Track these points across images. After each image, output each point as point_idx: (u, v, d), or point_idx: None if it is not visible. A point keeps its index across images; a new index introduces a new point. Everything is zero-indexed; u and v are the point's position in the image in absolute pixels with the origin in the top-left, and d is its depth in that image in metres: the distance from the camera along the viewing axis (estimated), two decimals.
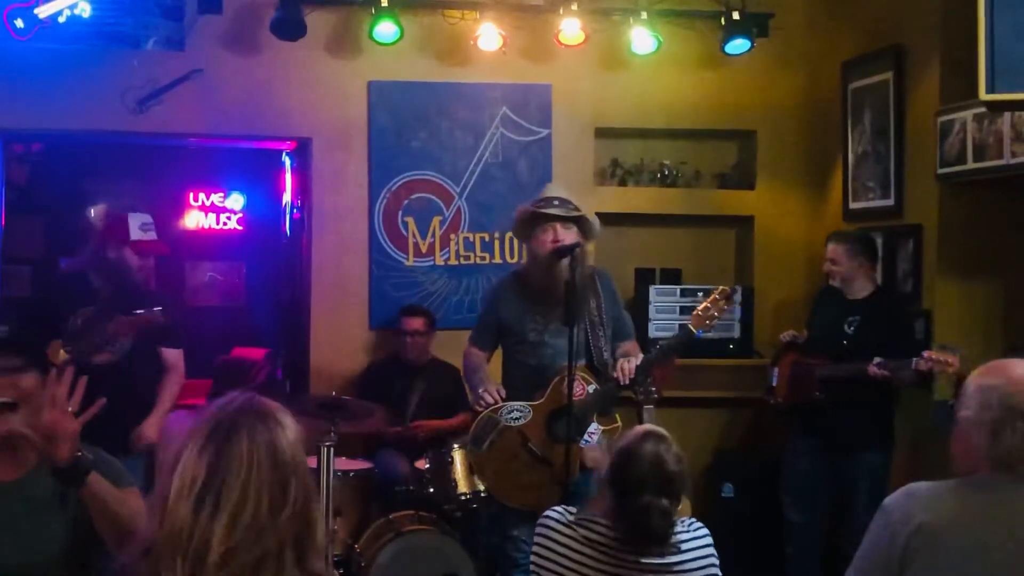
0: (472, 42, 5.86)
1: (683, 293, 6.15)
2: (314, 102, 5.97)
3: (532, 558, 2.93)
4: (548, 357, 4.44)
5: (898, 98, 5.44)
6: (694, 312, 4.47)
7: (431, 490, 4.97)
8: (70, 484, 2.39)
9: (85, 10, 5.54)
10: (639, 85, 6.20)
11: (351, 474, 5.06)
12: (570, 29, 5.80)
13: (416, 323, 5.71)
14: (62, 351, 4.34)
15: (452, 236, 6.09)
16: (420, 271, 6.07)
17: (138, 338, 4.54)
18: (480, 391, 4.45)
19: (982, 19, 2.97)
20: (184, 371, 4.91)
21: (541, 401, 4.39)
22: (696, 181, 6.47)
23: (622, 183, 6.38)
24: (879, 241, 5.38)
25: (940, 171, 5.02)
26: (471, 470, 4.78)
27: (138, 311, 4.43)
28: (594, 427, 4.35)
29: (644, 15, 5.82)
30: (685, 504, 4.03)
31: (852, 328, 4.99)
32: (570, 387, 4.11)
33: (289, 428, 1.80)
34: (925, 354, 4.51)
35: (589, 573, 2.79)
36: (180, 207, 10.16)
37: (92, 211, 5.13)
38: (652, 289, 6.16)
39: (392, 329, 5.87)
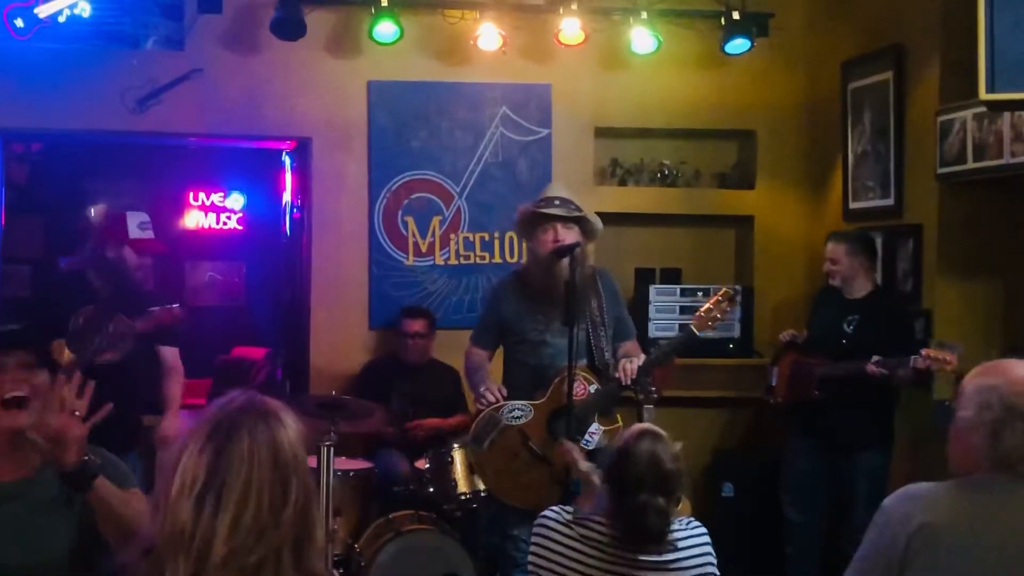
0: (472, 42, 5.86)
1: (683, 293, 6.15)
2: (314, 102, 5.97)
3: (530, 557, 2.93)
4: (549, 357, 4.45)
5: (898, 98, 5.44)
6: (696, 313, 4.46)
7: (431, 490, 4.97)
8: (77, 488, 2.38)
9: (85, 10, 5.54)
10: (639, 85, 6.20)
11: (351, 474, 5.06)
12: (570, 29, 5.80)
13: (417, 325, 5.71)
14: (66, 351, 4.34)
15: (452, 236, 6.09)
16: (420, 271, 6.07)
17: (141, 336, 4.54)
18: (481, 390, 4.46)
19: (982, 19, 2.98)
20: (183, 368, 4.93)
21: (542, 400, 4.39)
22: (696, 181, 6.47)
23: (622, 183, 6.38)
24: (879, 241, 5.38)
25: (940, 171, 5.02)
26: (471, 470, 4.78)
27: (154, 308, 4.44)
28: (595, 427, 4.36)
29: (644, 15, 5.82)
30: (685, 504, 4.04)
31: (851, 328, 5.00)
32: (570, 387, 4.11)
33: (290, 427, 1.79)
34: (923, 352, 4.52)
35: (587, 571, 2.80)
36: (180, 207, 10.16)
37: (92, 211, 5.13)
38: (652, 289, 6.16)
39: (392, 329, 5.87)
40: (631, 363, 4.36)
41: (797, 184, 6.38)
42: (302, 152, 6.36)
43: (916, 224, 5.30)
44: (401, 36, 5.70)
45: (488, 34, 5.78)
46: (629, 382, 4.35)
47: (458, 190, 6.09)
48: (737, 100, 6.30)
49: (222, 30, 5.85)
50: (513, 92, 6.11)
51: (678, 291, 6.17)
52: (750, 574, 5.60)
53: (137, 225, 4.82)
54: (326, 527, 4.37)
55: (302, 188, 6.49)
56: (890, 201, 5.50)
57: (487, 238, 6.12)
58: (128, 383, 4.36)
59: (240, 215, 10.29)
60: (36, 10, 5.40)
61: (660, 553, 2.78)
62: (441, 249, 6.08)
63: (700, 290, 6.05)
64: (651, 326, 6.02)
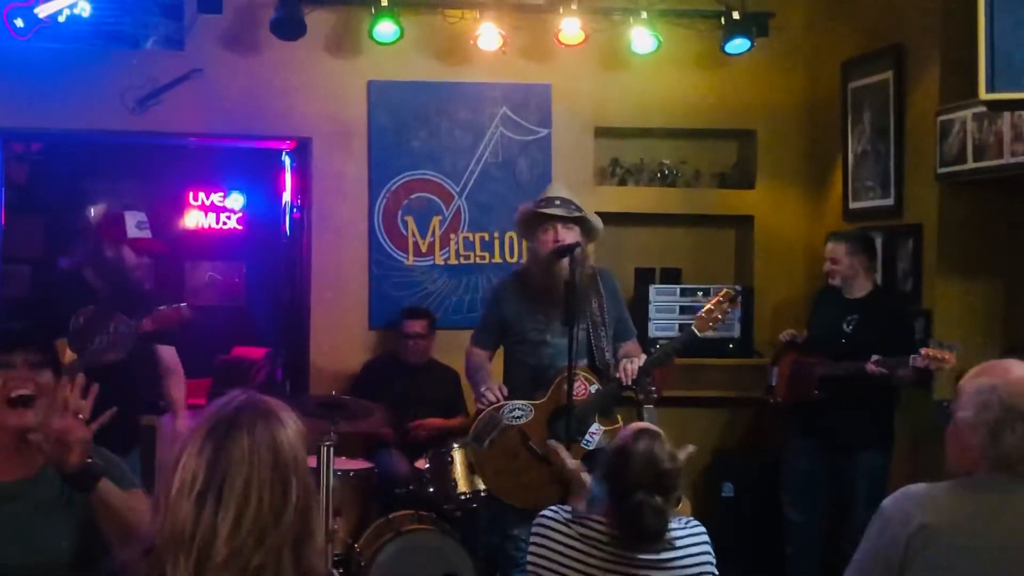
0: (472, 42, 5.86)
1: (683, 293, 6.15)
2: (314, 102, 5.97)
3: (529, 557, 2.93)
4: (549, 357, 4.44)
5: (898, 98, 5.44)
6: (698, 314, 4.46)
7: (431, 490, 4.97)
8: (80, 490, 2.38)
9: (85, 9, 5.54)
10: (639, 85, 6.20)
11: (351, 474, 5.06)
12: (570, 29, 5.80)
13: (418, 326, 5.71)
14: (68, 351, 4.33)
15: (452, 236, 6.09)
16: (420, 271, 6.07)
17: (140, 336, 4.54)
18: (482, 389, 4.46)
19: (982, 19, 2.97)
20: (181, 367, 4.92)
21: (543, 400, 4.39)
22: (696, 181, 6.47)
23: (622, 183, 6.38)
24: (879, 241, 5.38)
25: (940, 171, 5.02)
26: (471, 470, 4.78)
27: (161, 307, 4.44)
28: (596, 427, 4.36)
29: (644, 15, 5.83)
30: (685, 504, 4.04)
31: (851, 327, 5.00)
32: (570, 387, 4.11)
33: (290, 426, 1.79)
34: (922, 351, 4.53)
35: (586, 570, 2.80)
36: (180, 207, 10.16)
37: (92, 211, 5.13)
38: (652, 289, 6.16)
39: (392, 329, 5.87)
40: (632, 363, 4.36)
41: (797, 184, 6.38)
42: (302, 152, 6.36)
43: (916, 224, 5.30)
44: (401, 36, 5.70)
45: (488, 34, 5.78)
46: (630, 382, 4.35)
47: (458, 190, 6.09)
48: (737, 100, 6.30)
49: (222, 30, 5.85)
50: (513, 92, 6.11)
51: (678, 291, 6.18)
52: (750, 574, 5.60)
53: (135, 224, 4.81)
54: (326, 527, 4.37)
55: (302, 188, 6.49)
56: (890, 201, 5.50)
57: (487, 238, 6.12)
58: (128, 383, 4.35)
59: (240, 215, 10.29)
60: (36, 10, 5.40)
61: (658, 552, 2.78)
62: (441, 249, 6.08)
63: (700, 290, 6.05)
64: (651, 326, 6.02)
